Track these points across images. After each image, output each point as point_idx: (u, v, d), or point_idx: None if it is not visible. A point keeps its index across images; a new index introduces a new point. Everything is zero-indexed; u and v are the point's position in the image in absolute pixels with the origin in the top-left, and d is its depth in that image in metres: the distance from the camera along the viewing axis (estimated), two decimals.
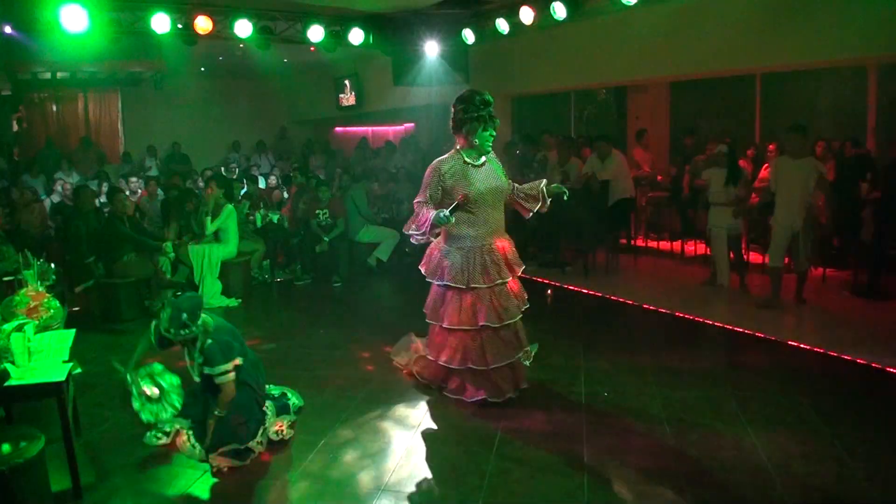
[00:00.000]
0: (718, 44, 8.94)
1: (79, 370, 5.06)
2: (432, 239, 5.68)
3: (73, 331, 5.17)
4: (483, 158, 5.61)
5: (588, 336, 7.37)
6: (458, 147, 5.63)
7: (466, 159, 5.55)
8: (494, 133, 5.57)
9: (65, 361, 4.62)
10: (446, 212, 5.27)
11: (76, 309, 8.44)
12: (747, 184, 9.09)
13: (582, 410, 5.50)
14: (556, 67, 11.27)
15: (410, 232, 5.60)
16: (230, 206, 9.57)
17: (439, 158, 5.68)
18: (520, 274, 5.76)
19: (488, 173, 5.60)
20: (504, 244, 5.70)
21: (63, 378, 4.31)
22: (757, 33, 8.48)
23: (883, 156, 10.06)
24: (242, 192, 12.38)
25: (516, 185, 5.94)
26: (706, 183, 9.16)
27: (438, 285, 5.73)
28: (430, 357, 5.91)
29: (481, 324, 5.47)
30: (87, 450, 4.98)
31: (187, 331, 4.72)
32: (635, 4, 8.72)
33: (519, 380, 5.79)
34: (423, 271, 5.84)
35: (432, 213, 5.31)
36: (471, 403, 5.58)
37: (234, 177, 13.79)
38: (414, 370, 6.21)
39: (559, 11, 9.38)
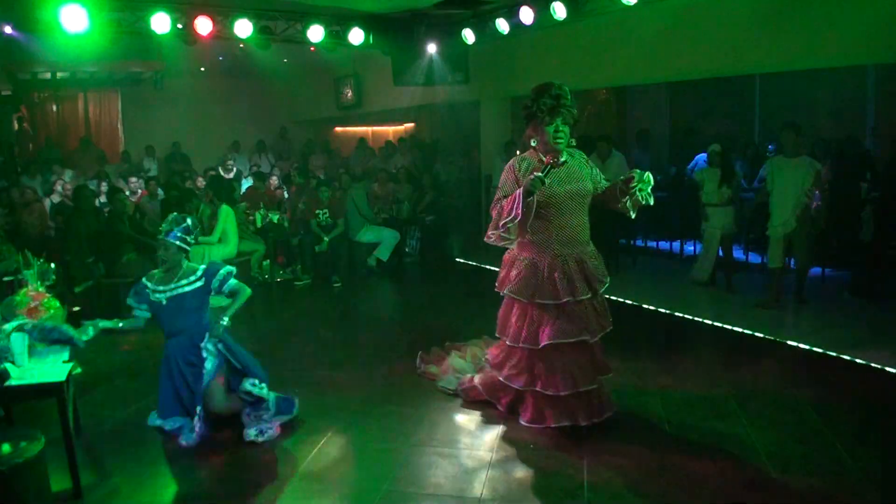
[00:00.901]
0: (718, 46, 8.94)
1: (79, 370, 5.07)
2: (510, 241, 5.14)
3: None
4: (564, 157, 4.96)
5: None
6: (534, 144, 5.05)
7: (543, 157, 4.95)
8: (565, 128, 4.89)
9: (65, 361, 4.63)
10: (540, 174, 4.72)
11: (76, 309, 8.43)
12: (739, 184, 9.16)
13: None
14: (556, 68, 11.24)
15: (490, 232, 5.03)
16: (226, 207, 9.57)
17: (519, 156, 5.12)
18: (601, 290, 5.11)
19: (569, 173, 4.93)
20: (584, 256, 5.06)
21: (63, 378, 4.32)
22: (757, 36, 8.48)
23: (882, 155, 10.07)
24: (244, 189, 12.42)
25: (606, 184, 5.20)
26: (699, 182, 9.21)
27: (504, 296, 5.23)
28: (493, 371, 5.43)
29: (543, 343, 4.93)
30: (88, 450, 4.98)
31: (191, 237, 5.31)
32: (635, 5, 8.72)
33: (595, 410, 5.10)
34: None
35: (521, 190, 4.76)
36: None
37: (232, 177, 13.80)
38: (476, 380, 5.68)
39: (559, 12, 9.38)
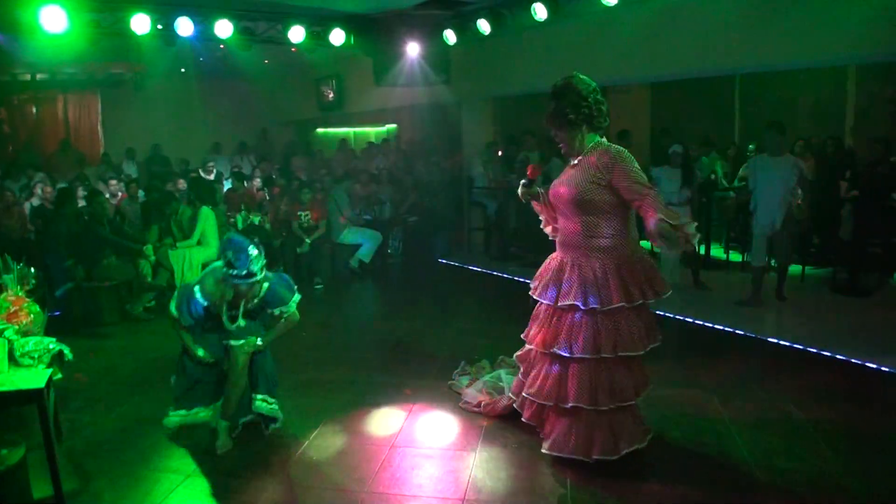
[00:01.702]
0: (698, 46, 8.98)
1: (59, 375, 5.03)
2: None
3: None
4: (578, 159, 4.62)
5: None
6: None
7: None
8: (559, 133, 4.68)
9: (45, 367, 4.59)
10: (524, 180, 4.85)
11: (57, 314, 8.38)
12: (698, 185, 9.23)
13: None
14: (537, 69, 11.26)
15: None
16: (205, 209, 9.52)
17: None
18: (602, 307, 4.44)
19: (570, 176, 4.60)
20: (575, 263, 4.60)
21: (43, 384, 4.28)
22: (737, 37, 8.52)
23: (862, 154, 10.15)
24: (226, 189, 12.36)
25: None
26: (656, 181, 9.19)
27: None
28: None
29: (547, 349, 4.66)
30: (69, 456, 4.93)
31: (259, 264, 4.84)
32: (616, 6, 8.75)
33: (626, 436, 4.58)
34: None
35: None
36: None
37: (212, 177, 13.73)
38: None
39: (540, 12, 9.40)
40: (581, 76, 4.67)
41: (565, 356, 4.52)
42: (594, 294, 4.45)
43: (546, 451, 4.63)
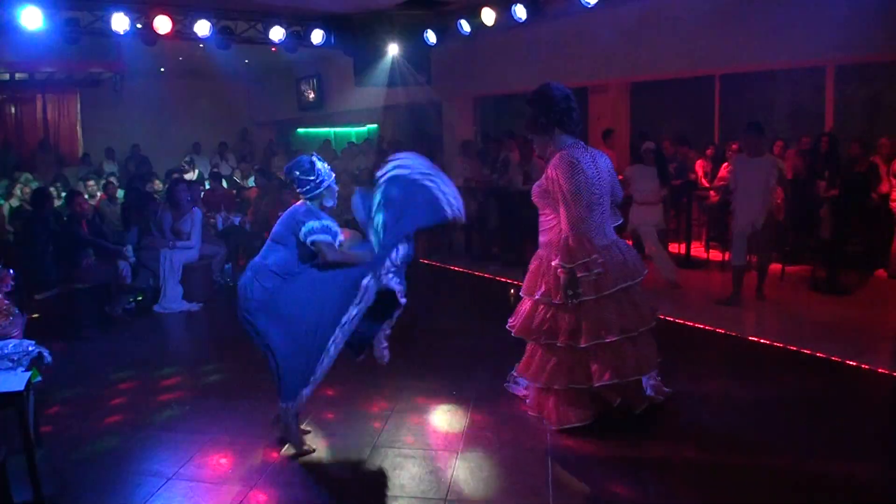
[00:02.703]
0: (678, 47, 9.04)
1: (38, 378, 4.99)
2: None
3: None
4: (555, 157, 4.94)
5: None
6: None
7: None
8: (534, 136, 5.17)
9: (25, 370, 4.56)
10: None
11: (35, 316, 8.31)
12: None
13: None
14: (517, 69, 11.31)
15: None
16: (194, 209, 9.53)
17: None
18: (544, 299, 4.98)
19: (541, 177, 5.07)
20: (539, 254, 5.15)
21: (22, 388, 4.24)
22: (716, 37, 8.59)
23: (841, 154, 10.21)
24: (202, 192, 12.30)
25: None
26: (626, 179, 9.21)
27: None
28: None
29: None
30: (49, 460, 4.89)
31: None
32: (595, 6, 8.78)
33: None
34: None
35: None
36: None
37: (195, 178, 13.68)
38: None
39: (520, 13, 9.43)
40: (555, 84, 5.06)
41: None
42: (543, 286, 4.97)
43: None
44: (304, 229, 4.77)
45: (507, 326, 5.31)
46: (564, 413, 5.04)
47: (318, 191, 4.95)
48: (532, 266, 5.16)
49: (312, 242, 4.77)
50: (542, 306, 5.01)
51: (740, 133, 9.07)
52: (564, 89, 5.01)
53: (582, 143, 5.04)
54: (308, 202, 4.95)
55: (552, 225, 4.97)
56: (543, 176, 4.96)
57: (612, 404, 5.08)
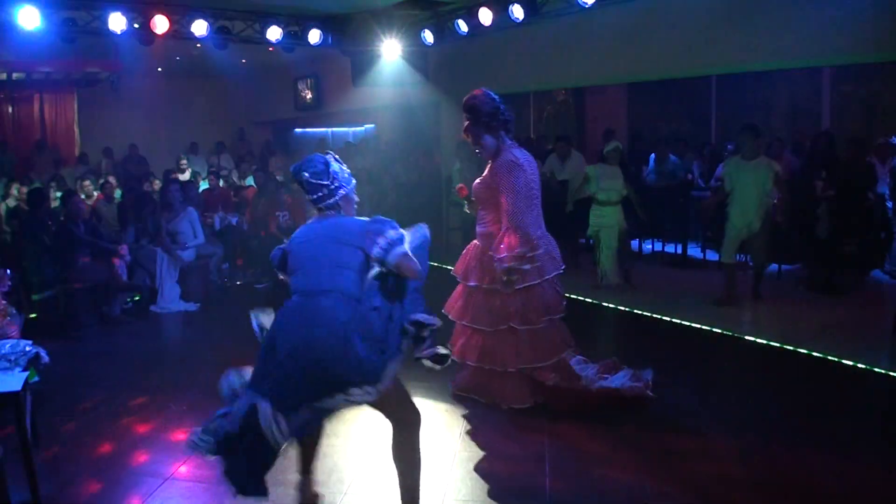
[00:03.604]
0: (675, 48, 9.04)
1: (35, 378, 4.99)
2: None
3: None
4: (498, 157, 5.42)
5: None
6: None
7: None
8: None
9: (22, 370, 4.56)
10: None
11: (33, 316, 8.31)
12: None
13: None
14: (515, 69, 11.31)
15: None
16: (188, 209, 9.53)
17: None
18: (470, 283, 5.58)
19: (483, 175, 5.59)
20: (476, 244, 5.69)
21: (19, 387, 4.25)
22: (713, 38, 8.59)
23: (839, 154, 10.22)
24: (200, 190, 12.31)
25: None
26: (588, 179, 9.20)
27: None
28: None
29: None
30: (47, 460, 4.90)
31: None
32: (592, 6, 8.78)
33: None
34: None
35: None
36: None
37: (189, 178, 13.66)
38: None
39: (517, 13, 9.43)
40: (483, 91, 5.47)
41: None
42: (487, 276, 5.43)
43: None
44: (384, 244, 3.60)
45: (443, 311, 5.64)
46: (519, 392, 5.49)
47: (332, 200, 3.83)
48: (465, 254, 5.72)
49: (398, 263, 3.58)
50: (483, 294, 5.47)
51: (736, 134, 9.09)
52: (492, 95, 5.42)
53: (517, 144, 5.53)
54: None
55: (492, 218, 5.44)
56: (487, 174, 5.42)
57: (545, 383, 5.40)
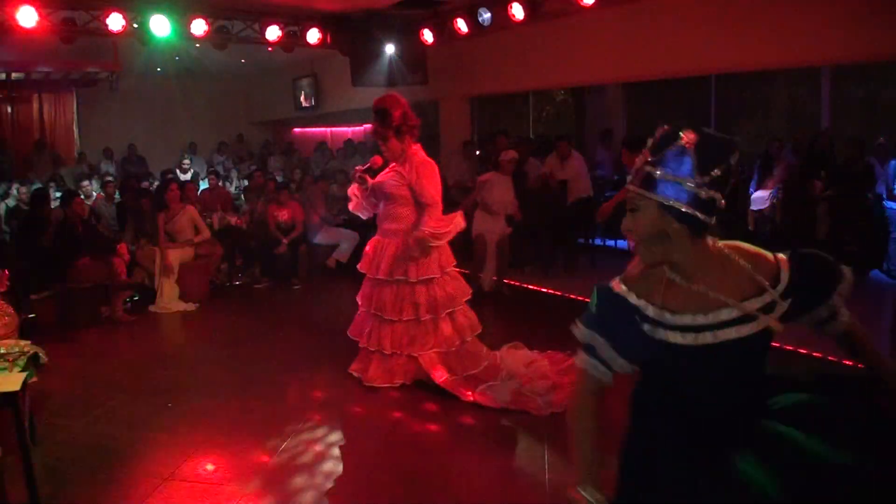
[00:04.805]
0: (674, 48, 9.04)
1: (34, 378, 4.98)
2: None
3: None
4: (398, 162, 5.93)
5: (548, 334, 7.40)
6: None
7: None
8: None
9: (21, 370, 4.55)
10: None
11: (32, 316, 8.30)
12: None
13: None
14: (514, 69, 11.31)
15: None
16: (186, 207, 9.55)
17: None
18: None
19: (388, 174, 6.01)
20: (378, 239, 6.14)
21: (18, 388, 4.24)
22: (712, 38, 8.58)
23: (838, 154, 10.23)
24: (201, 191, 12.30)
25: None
26: (478, 186, 9.16)
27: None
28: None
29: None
30: (45, 460, 4.89)
31: None
32: (592, 7, 8.78)
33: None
34: None
35: None
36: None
37: (188, 178, 13.66)
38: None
39: (517, 13, 9.43)
40: (392, 96, 5.92)
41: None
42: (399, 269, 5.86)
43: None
44: None
45: (356, 299, 6.26)
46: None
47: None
48: (368, 250, 6.12)
49: None
50: (393, 287, 5.88)
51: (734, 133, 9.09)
52: (401, 101, 5.84)
53: (421, 147, 5.98)
54: None
55: (403, 215, 5.89)
56: (399, 174, 5.83)
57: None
